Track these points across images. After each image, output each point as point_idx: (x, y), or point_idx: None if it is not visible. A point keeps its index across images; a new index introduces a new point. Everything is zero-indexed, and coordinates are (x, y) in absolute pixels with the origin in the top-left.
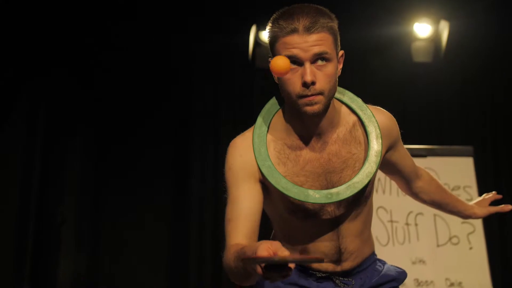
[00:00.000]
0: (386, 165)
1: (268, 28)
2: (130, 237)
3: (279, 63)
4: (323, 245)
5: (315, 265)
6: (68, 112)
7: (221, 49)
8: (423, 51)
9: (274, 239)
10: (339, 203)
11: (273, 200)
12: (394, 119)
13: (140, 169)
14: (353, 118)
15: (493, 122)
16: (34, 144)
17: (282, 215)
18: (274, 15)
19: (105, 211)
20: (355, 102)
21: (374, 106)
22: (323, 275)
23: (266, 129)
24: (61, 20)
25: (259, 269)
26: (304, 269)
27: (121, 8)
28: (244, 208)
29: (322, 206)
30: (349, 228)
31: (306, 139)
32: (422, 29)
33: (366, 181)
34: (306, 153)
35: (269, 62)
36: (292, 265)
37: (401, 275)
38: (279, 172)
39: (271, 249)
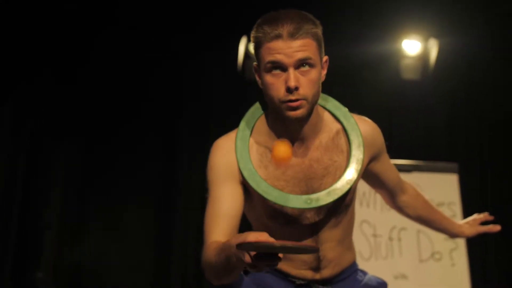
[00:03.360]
0: (370, 176)
1: (252, 33)
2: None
3: (281, 152)
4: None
5: (294, 272)
6: (53, 113)
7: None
8: (412, 69)
9: None
10: (319, 209)
11: (253, 204)
12: (378, 130)
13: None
14: (336, 126)
15: (479, 140)
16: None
17: (262, 220)
18: (259, 20)
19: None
20: (339, 110)
21: (359, 116)
22: (302, 282)
23: (249, 132)
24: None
25: (247, 257)
26: (283, 276)
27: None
28: (224, 207)
29: (302, 212)
30: (328, 235)
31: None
32: (411, 46)
33: (346, 188)
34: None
35: (254, 68)
36: (281, 255)
37: (382, 286)
38: (260, 176)
39: (261, 237)
